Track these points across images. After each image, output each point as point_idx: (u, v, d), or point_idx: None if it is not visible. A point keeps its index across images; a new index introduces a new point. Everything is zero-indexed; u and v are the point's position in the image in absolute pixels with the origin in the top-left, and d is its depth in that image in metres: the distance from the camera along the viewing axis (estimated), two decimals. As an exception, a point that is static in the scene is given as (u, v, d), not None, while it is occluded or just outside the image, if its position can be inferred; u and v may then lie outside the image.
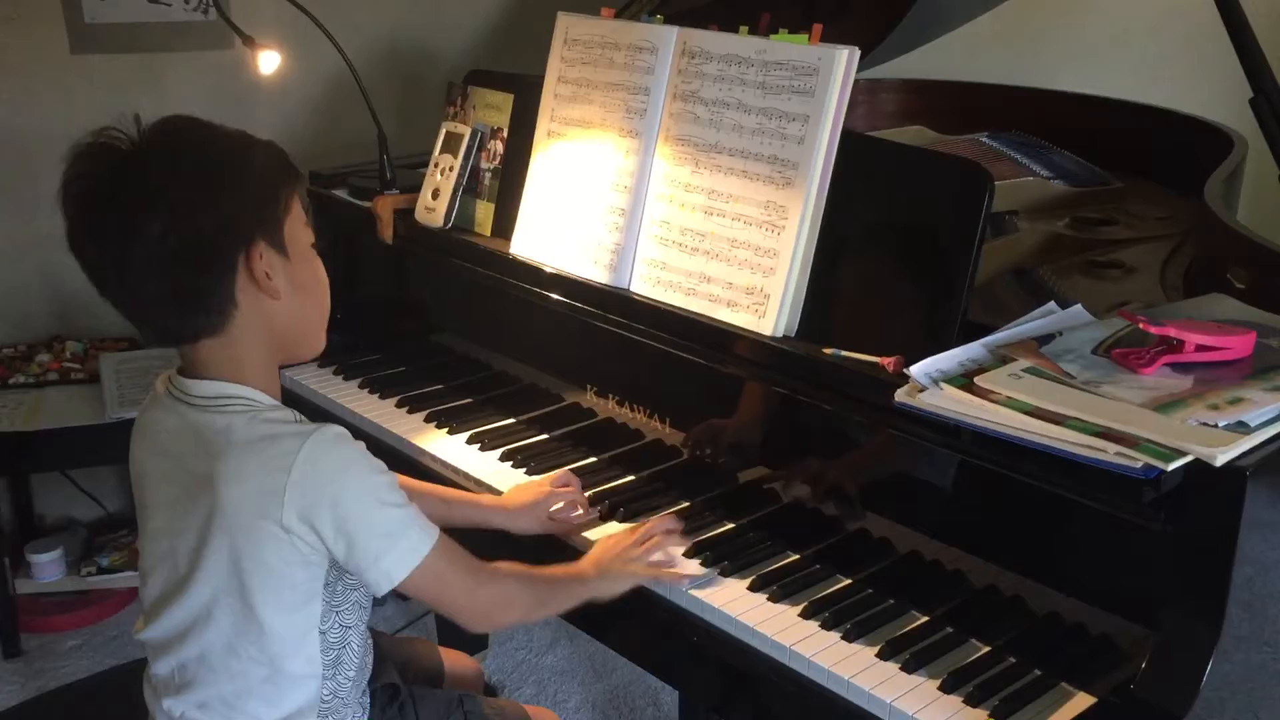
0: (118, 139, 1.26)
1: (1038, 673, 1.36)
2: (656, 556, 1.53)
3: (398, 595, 2.84)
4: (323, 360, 2.19)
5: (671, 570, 1.52)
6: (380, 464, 1.32)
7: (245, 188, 1.29)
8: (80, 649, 2.81)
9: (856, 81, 2.84)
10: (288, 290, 1.32)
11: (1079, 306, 1.52)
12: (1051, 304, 1.53)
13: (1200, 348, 1.34)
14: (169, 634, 1.34)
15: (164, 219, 1.23)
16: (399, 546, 1.29)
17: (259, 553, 1.26)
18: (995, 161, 2.38)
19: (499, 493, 1.73)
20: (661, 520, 1.58)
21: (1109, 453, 1.19)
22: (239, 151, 1.31)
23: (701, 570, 1.53)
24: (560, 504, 1.67)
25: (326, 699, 1.37)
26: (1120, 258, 1.96)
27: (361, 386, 2.11)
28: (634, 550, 1.52)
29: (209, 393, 1.30)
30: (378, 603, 2.91)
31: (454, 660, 1.78)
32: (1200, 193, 1.99)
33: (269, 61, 2.23)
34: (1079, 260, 1.96)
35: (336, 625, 1.35)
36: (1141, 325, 1.35)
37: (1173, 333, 1.34)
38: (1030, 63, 3.13)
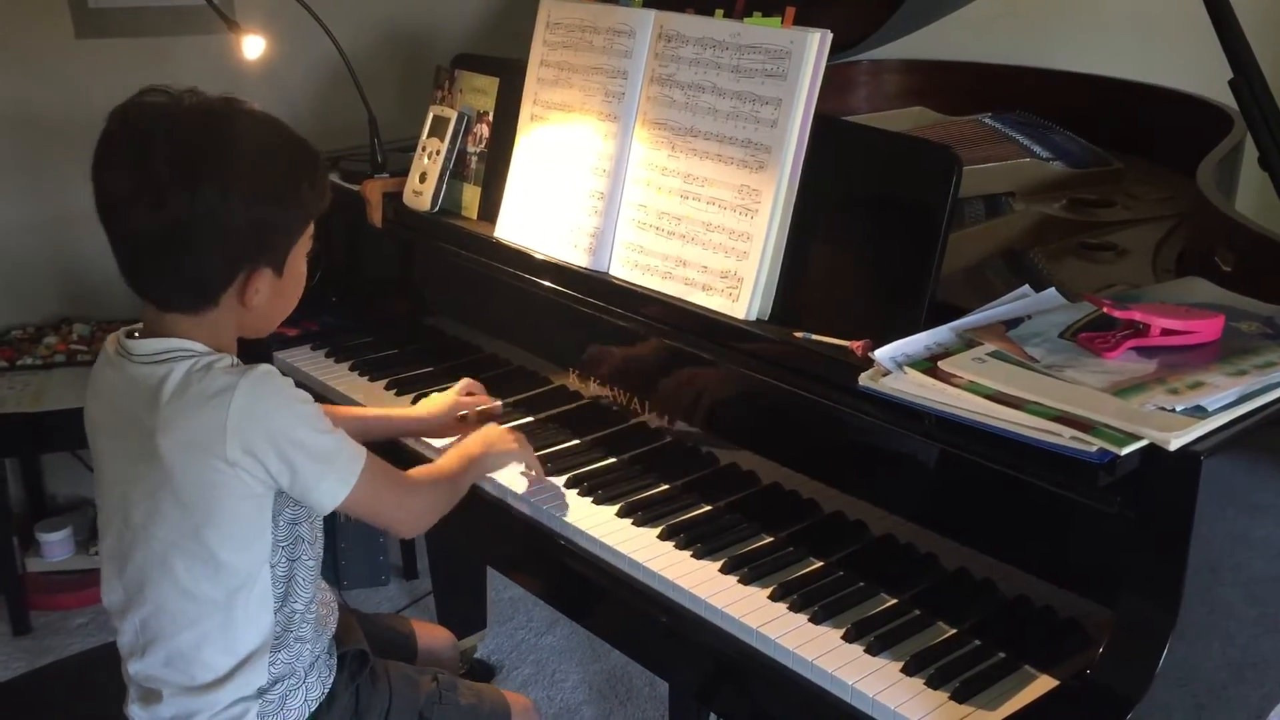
0: (205, 99, 1.35)
1: (1002, 656, 1.36)
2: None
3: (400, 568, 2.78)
4: (315, 343, 2.22)
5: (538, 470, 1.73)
6: (307, 395, 1.40)
7: (284, 212, 1.37)
8: (88, 626, 2.85)
9: (859, 62, 2.87)
10: (267, 300, 1.40)
11: (1052, 290, 1.51)
12: (1025, 287, 1.52)
13: (1166, 332, 1.33)
14: (130, 587, 1.41)
15: (198, 197, 1.29)
16: (335, 469, 1.39)
17: (206, 489, 1.33)
18: (996, 142, 2.36)
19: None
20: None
21: (1064, 437, 1.19)
22: (295, 170, 1.37)
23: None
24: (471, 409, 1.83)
25: (278, 634, 1.43)
26: (1114, 240, 1.95)
27: (352, 369, 2.13)
28: (517, 437, 1.71)
29: (149, 350, 1.37)
30: (380, 583, 2.97)
31: (429, 634, 1.80)
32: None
33: (253, 46, 2.24)
34: (1071, 243, 1.94)
35: (284, 560, 1.42)
36: (1106, 309, 1.35)
37: (1138, 317, 1.33)
38: (1034, 42, 3.10)
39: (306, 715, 1.46)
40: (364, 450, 1.43)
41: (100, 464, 1.43)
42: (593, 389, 1.83)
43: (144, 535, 1.37)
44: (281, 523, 1.40)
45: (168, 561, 1.36)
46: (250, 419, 1.31)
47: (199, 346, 1.36)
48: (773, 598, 1.46)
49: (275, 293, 1.40)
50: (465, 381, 1.86)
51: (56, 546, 2.91)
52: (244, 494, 1.34)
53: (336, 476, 1.38)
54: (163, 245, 1.31)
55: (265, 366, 1.36)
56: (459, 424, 1.81)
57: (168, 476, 1.33)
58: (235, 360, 1.38)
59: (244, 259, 1.35)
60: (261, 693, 1.42)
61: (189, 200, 1.28)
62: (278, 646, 1.43)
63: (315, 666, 1.48)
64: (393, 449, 1.81)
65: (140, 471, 1.35)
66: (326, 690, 1.49)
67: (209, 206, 1.29)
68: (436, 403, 1.83)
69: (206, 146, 1.30)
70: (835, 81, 1.55)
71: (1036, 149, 2.34)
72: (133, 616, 1.41)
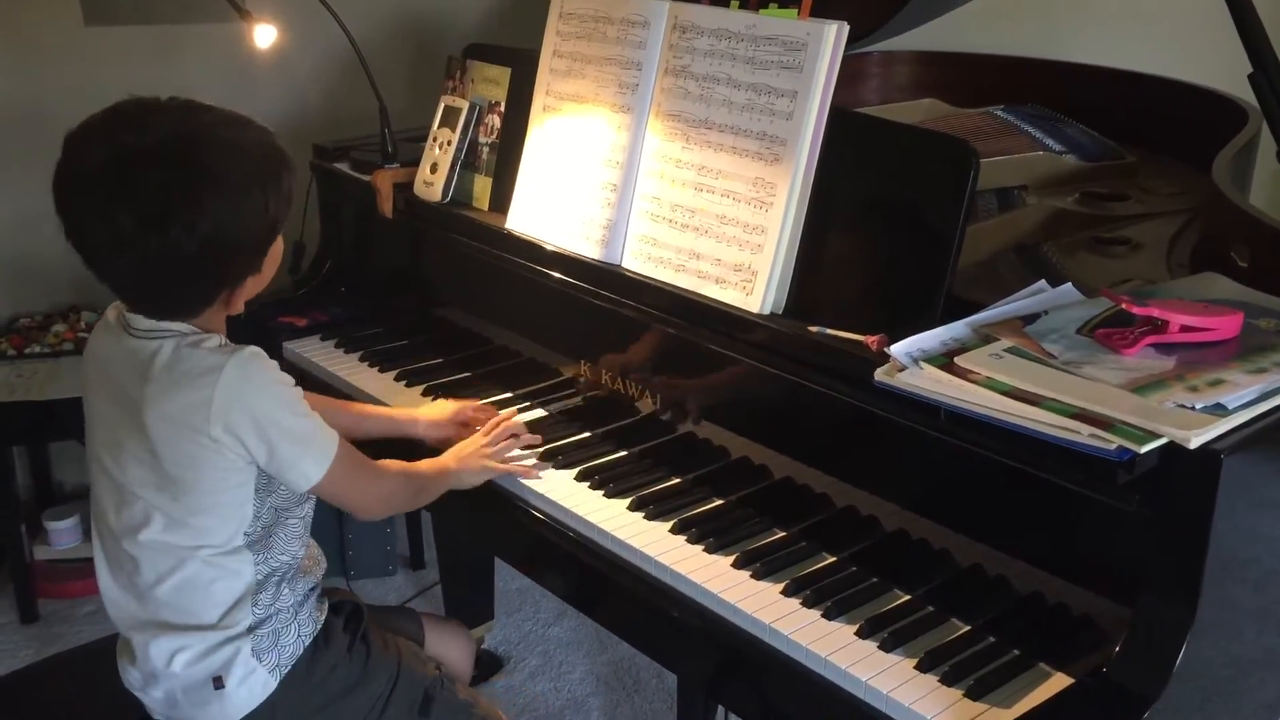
0: (149, 121, 1.35)
1: (1016, 653, 1.35)
2: (510, 455, 1.72)
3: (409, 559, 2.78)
4: (325, 333, 2.21)
5: (521, 465, 1.70)
6: (290, 379, 1.45)
7: (258, 230, 1.40)
8: (95, 614, 2.85)
9: (870, 54, 2.86)
10: (250, 292, 1.46)
11: (1069, 285, 1.50)
12: (1042, 283, 1.51)
13: (1185, 328, 1.32)
14: (119, 538, 1.45)
15: (169, 240, 1.32)
16: (311, 450, 1.45)
17: (191, 461, 1.39)
18: (1009, 135, 2.35)
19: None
20: (509, 421, 1.76)
21: (1083, 434, 1.18)
22: (262, 185, 1.38)
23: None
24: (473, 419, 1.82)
25: (261, 579, 1.47)
26: (1127, 234, 1.93)
27: (362, 360, 2.12)
28: (488, 448, 1.70)
29: (145, 325, 1.42)
30: (387, 573, 2.96)
31: (440, 635, 1.80)
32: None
33: (264, 35, 2.23)
34: (1084, 237, 1.93)
35: (260, 526, 1.47)
36: (1124, 306, 1.34)
37: (1157, 313, 1.32)
38: (1046, 35, 3.08)
39: (302, 650, 1.51)
40: (336, 435, 1.49)
41: (90, 422, 1.49)
42: (603, 381, 1.82)
43: (129, 495, 1.43)
44: (261, 491, 1.45)
45: (150, 519, 1.42)
46: (235, 399, 1.37)
47: (188, 327, 1.42)
48: (785, 593, 1.46)
49: (256, 283, 1.46)
50: (479, 404, 1.86)
51: (64, 534, 2.90)
52: (227, 467, 1.40)
53: (312, 459, 1.44)
54: (142, 281, 1.38)
55: (252, 348, 1.41)
56: (461, 429, 1.80)
57: (153, 448, 1.39)
58: (224, 340, 1.43)
59: (224, 282, 1.41)
60: (251, 629, 1.46)
61: (160, 243, 1.32)
62: (260, 589, 1.47)
63: (305, 605, 1.52)
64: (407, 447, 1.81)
65: (126, 438, 1.41)
66: (319, 626, 1.53)
67: (180, 248, 1.32)
68: (441, 408, 1.84)
69: (168, 188, 1.32)
70: (846, 73, 1.54)
71: (1049, 142, 2.33)
72: (118, 573, 1.48)
